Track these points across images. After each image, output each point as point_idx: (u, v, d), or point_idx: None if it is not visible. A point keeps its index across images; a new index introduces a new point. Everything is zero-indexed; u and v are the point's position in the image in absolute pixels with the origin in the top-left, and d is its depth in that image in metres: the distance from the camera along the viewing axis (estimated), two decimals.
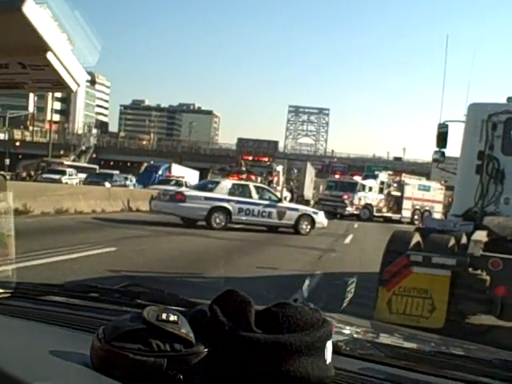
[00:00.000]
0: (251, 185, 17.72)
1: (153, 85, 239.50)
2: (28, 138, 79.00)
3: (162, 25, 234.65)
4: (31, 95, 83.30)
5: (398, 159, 79.01)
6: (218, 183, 17.20)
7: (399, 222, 31.92)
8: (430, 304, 5.28)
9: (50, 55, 0.80)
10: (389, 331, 1.86)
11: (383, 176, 35.04)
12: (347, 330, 1.47)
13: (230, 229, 16.06)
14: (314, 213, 18.02)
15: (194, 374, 0.93)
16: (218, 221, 15.95)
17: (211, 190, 16.49)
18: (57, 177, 34.57)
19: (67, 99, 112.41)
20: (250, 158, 28.87)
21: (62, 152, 62.98)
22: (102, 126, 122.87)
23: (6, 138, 76.33)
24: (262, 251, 12.47)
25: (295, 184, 33.89)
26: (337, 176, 36.85)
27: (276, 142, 77.15)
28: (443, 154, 7.43)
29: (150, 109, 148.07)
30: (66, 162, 47.82)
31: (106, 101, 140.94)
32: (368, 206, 33.15)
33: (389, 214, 33.95)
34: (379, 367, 1.18)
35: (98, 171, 44.94)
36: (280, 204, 17.36)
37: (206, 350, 0.95)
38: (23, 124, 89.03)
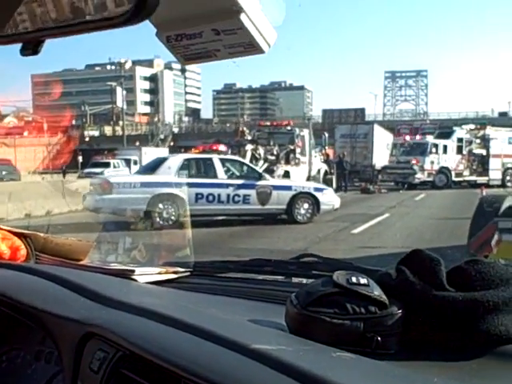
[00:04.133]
0: (215, 158, 12.75)
1: (243, 66, 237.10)
2: (119, 133, 78.81)
3: None
4: (118, 90, 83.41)
5: (503, 114, 70.24)
6: (162, 161, 12.45)
7: (487, 185, 25.94)
8: None
9: (243, 17, 0.81)
10: None
11: (461, 132, 28.76)
12: None
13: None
14: (317, 190, 13.02)
15: (391, 336, 0.94)
16: (165, 215, 11.29)
17: (153, 172, 11.90)
18: (99, 170, 31.54)
19: (155, 90, 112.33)
20: (268, 123, 24.11)
21: (137, 143, 61.48)
22: (194, 113, 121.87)
23: (98, 134, 76.92)
24: None
25: (353, 151, 28.78)
26: (407, 138, 31.03)
27: (363, 110, 71.80)
28: None
29: (242, 91, 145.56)
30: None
31: (198, 87, 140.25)
32: (444, 170, 27.37)
33: (472, 178, 28.01)
34: None
35: None
36: (262, 182, 12.45)
37: (400, 311, 0.95)
38: (112, 119, 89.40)
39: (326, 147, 25.15)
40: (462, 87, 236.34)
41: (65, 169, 37.95)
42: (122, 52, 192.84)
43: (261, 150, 17.95)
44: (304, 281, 1.38)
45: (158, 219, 11.27)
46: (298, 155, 19.66)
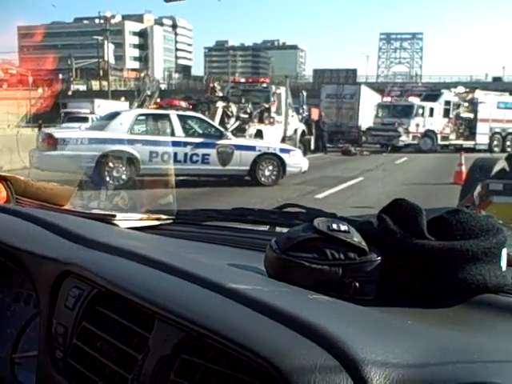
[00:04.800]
0: (172, 114, 11.63)
1: (235, 24, 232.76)
2: (106, 88, 77.05)
3: None
4: (106, 44, 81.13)
5: (497, 79, 68.93)
6: (114, 116, 11.36)
7: (473, 150, 25.08)
8: None
9: None
10: None
11: (449, 95, 27.73)
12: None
13: None
14: (283, 151, 12.04)
15: (369, 282, 0.95)
16: (115, 174, 10.46)
17: (103, 128, 10.88)
18: (76, 125, 30.27)
19: (144, 46, 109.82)
20: (243, 80, 22.88)
21: (122, 99, 60.05)
22: (185, 70, 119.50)
23: (84, 88, 75.25)
24: None
25: (339, 111, 27.77)
26: (386, 99, 30.06)
27: (354, 70, 70.45)
28: None
29: (234, 49, 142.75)
30: None
31: (190, 44, 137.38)
32: (429, 134, 26.47)
33: (459, 142, 27.10)
34: None
35: None
36: (223, 141, 11.52)
37: (379, 258, 0.95)
38: (99, 74, 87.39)
39: (304, 106, 24.02)
40: (458, 51, 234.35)
41: (41, 123, 36.58)
42: (113, 6, 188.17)
43: (233, 108, 16.84)
44: (286, 230, 1.28)
45: (107, 178, 10.41)
46: (273, 114, 18.48)
